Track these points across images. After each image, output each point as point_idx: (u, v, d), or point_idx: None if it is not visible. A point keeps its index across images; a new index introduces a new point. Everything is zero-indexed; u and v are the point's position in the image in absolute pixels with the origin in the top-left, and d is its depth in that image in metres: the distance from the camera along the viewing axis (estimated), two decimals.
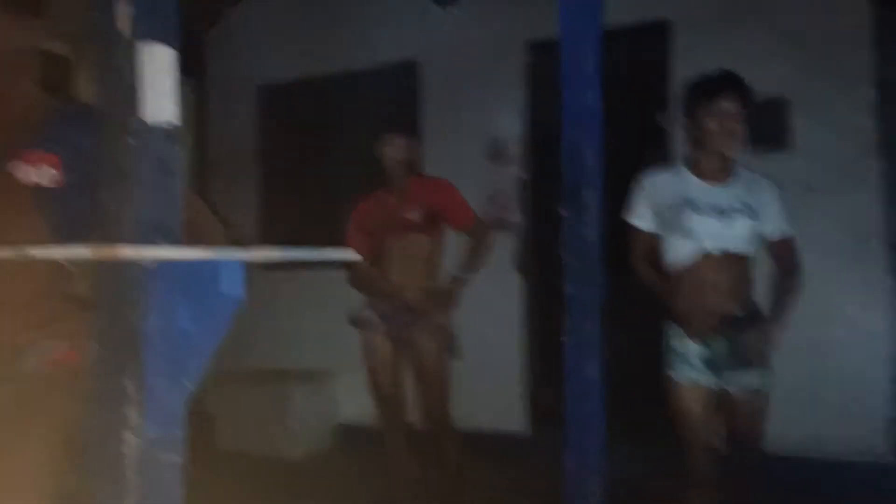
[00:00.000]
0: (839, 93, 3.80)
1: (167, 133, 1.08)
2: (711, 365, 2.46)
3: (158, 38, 1.06)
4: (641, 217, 2.60)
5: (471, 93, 4.60)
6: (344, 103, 5.15)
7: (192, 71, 5.48)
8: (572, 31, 2.43)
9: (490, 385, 4.37)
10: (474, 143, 4.64)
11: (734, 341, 2.40)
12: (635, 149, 4.02)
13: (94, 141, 1.40)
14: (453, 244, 3.36)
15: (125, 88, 1.04)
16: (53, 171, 1.41)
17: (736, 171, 2.52)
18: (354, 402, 4.96)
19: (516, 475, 4.00)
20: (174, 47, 1.06)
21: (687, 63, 4.20)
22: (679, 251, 2.50)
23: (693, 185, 2.50)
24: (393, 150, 3.23)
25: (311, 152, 5.32)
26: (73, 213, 1.38)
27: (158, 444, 1.05)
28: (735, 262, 2.46)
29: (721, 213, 2.45)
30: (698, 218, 2.45)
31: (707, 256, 2.45)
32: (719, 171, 2.50)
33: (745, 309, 2.46)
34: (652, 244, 2.59)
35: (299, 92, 5.29)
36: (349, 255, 1.30)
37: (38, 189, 1.40)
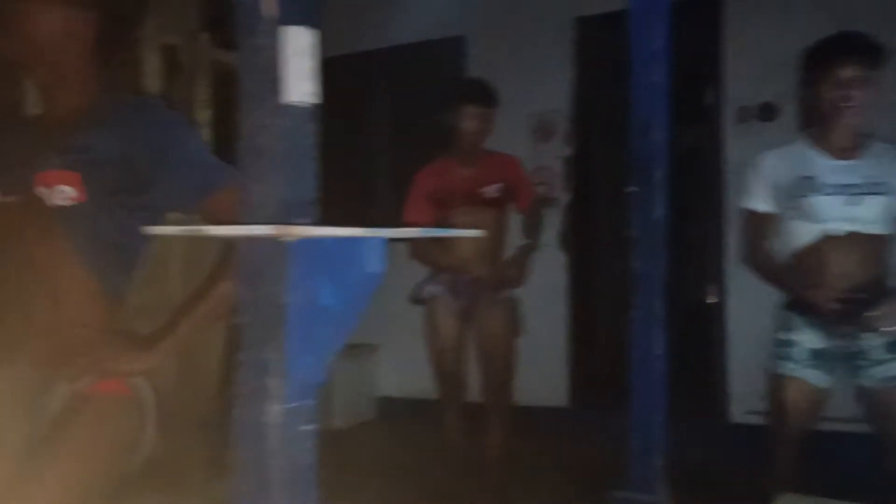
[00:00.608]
0: None
1: (306, 113, 1.11)
2: (828, 359, 2.31)
3: (300, 20, 1.09)
4: (759, 199, 2.44)
5: (517, 68, 4.58)
6: (390, 79, 5.15)
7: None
8: (641, 9, 2.42)
9: (532, 360, 4.41)
10: (520, 118, 4.64)
11: (863, 331, 2.25)
12: (687, 126, 4.01)
13: (152, 133, 1.41)
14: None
15: (268, 69, 1.07)
16: (71, 189, 1.37)
17: (867, 144, 2.33)
18: (395, 375, 5.03)
19: (558, 448, 4.06)
20: (315, 29, 1.09)
21: (736, 39, 4.19)
22: (799, 234, 2.35)
23: (816, 163, 2.33)
24: (472, 120, 3.10)
25: (356, 127, 5.34)
26: (94, 228, 1.39)
27: (296, 413, 1.10)
28: (864, 244, 2.27)
29: (848, 191, 2.27)
30: (821, 198, 2.29)
31: (831, 238, 2.28)
32: (845, 146, 2.32)
33: (875, 293, 2.26)
34: (770, 228, 2.43)
35: (345, 68, 5.30)
36: (476, 233, 1.31)
37: (60, 209, 1.36)
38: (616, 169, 5.00)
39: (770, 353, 2.45)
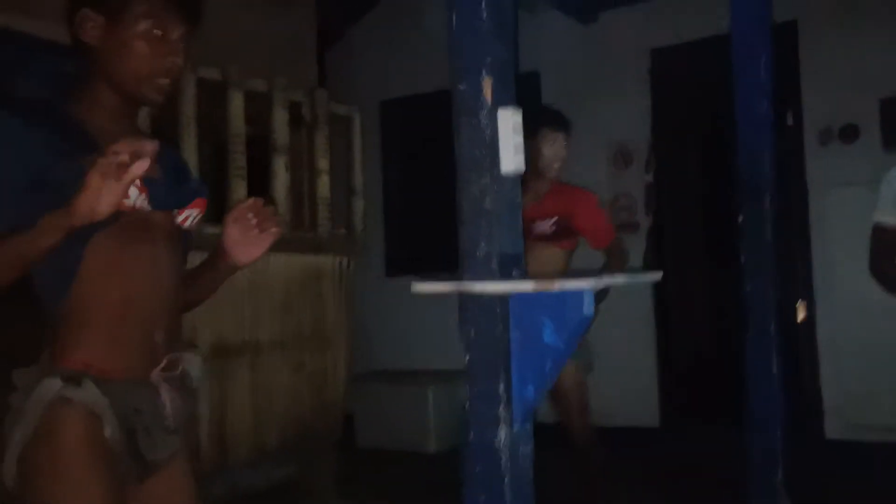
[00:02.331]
0: None
1: (516, 181, 1.30)
2: None
3: (510, 103, 1.29)
4: (888, 213, 2.36)
5: (595, 99, 4.75)
6: None
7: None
8: (744, 44, 2.57)
9: (623, 382, 4.53)
10: (600, 147, 4.80)
11: None
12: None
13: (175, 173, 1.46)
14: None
15: (486, 145, 1.27)
16: (198, 212, 1.43)
17: None
18: None
19: (650, 466, 4.15)
20: (521, 109, 1.29)
21: (814, 61, 4.29)
22: None
23: None
24: (554, 147, 2.96)
25: (433, 164, 5.55)
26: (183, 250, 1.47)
27: (519, 437, 1.28)
28: None
29: None
30: None
31: None
32: None
33: None
34: None
35: (421, 106, 5.53)
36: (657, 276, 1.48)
37: (185, 230, 1.44)
38: (696, 192, 5.13)
39: None
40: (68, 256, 1.24)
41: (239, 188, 2.91)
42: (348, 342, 3.62)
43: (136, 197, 1.26)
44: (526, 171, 3.09)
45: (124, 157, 1.09)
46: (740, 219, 2.50)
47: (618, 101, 4.77)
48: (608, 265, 3.17)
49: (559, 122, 3.05)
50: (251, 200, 1.49)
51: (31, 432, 1.21)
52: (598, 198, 3.21)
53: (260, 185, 3.07)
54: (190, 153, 2.64)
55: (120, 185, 1.09)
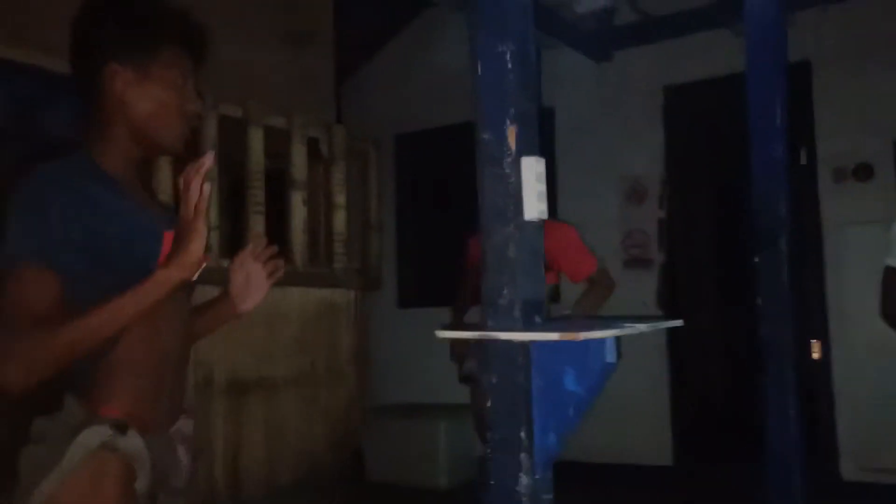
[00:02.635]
0: None
1: (539, 227, 1.31)
2: None
3: (533, 151, 1.30)
4: None
5: (608, 135, 4.79)
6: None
7: None
8: (760, 87, 2.60)
9: (636, 419, 4.50)
10: (612, 182, 4.82)
11: None
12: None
13: None
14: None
15: (510, 193, 1.28)
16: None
17: None
18: None
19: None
20: (544, 159, 1.30)
21: (828, 100, 4.32)
22: None
23: None
24: None
25: (445, 196, 5.59)
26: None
27: (541, 485, 1.28)
28: None
29: None
30: None
31: None
32: None
33: None
34: None
35: (434, 140, 5.58)
36: (678, 322, 1.48)
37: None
38: (709, 229, 5.14)
39: None
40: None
41: (257, 223, 2.94)
42: (361, 377, 3.62)
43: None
44: None
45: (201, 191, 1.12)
46: (756, 260, 2.50)
47: (631, 137, 4.80)
48: (586, 294, 3.09)
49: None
50: (251, 246, 1.51)
51: (66, 478, 1.19)
52: (576, 230, 3.14)
53: (277, 219, 3.10)
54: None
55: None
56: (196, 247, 1.13)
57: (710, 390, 4.89)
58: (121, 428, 1.23)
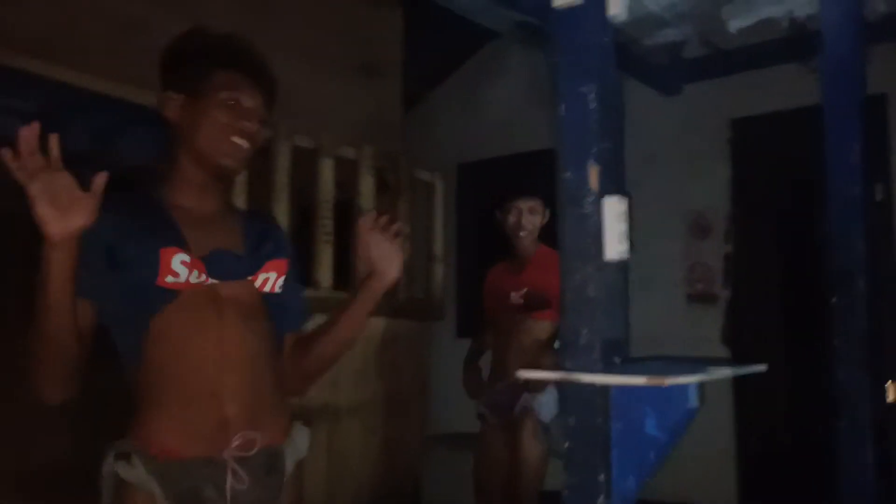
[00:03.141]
0: None
1: (619, 268, 1.30)
2: None
3: (615, 191, 1.30)
4: None
5: (674, 168, 4.73)
6: (541, 179, 5.39)
7: None
8: (837, 124, 2.54)
9: (699, 459, 4.38)
10: (677, 216, 4.76)
11: None
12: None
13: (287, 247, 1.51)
14: None
15: (591, 233, 1.28)
16: (284, 277, 1.47)
17: None
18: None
19: None
20: (627, 198, 1.30)
21: None
22: None
23: None
24: (518, 216, 2.98)
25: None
26: (284, 311, 1.49)
27: None
28: None
29: None
30: None
31: None
32: None
33: None
34: None
35: (495, 169, 5.60)
36: (761, 368, 1.45)
37: (269, 295, 1.45)
38: (777, 265, 5.00)
39: None
40: (132, 336, 1.32)
41: (326, 253, 2.98)
42: (422, 406, 3.62)
43: (186, 274, 1.32)
44: (512, 244, 3.03)
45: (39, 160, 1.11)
46: (832, 301, 2.42)
47: (697, 170, 4.74)
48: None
49: (522, 193, 3.02)
50: (364, 221, 1.53)
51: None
52: None
53: (342, 249, 3.14)
54: (282, 218, 2.72)
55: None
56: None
57: (776, 431, 4.73)
58: (124, 456, 1.29)
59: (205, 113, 1.39)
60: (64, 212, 1.11)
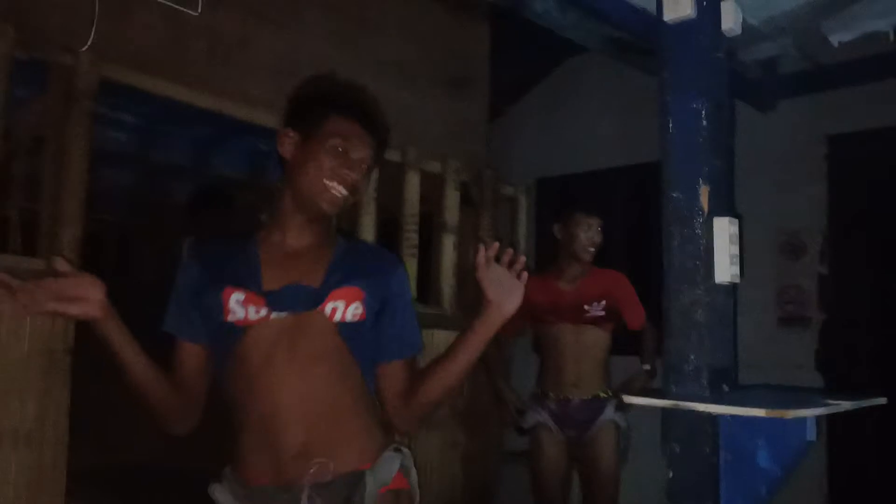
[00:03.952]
0: None
1: (729, 291, 1.25)
2: None
3: (726, 212, 1.25)
4: None
5: (767, 186, 4.57)
6: (617, 196, 5.30)
7: None
8: None
9: (789, 483, 4.20)
10: (769, 236, 4.59)
11: None
12: None
13: (393, 276, 1.51)
14: None
15: (701, 255, 1.23)
16: (360, 306, 1.46)
17: None
18: None
19: None
20: (738, 219, 1.25)
21: None
22: None
23: None
24: (589, 232, 3.07)
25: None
26: (369, 341, 1.48)
27: None
28: None
29: None
30: None
31: None
32: None
33: None
34: None
35: (573, 185, 5.53)
36: (881, 400, 1.38)
37: (345, 325, 1.44)
38: (874, 287, 4.77)
39: None
40: (221, 369, 1.45)
41: (411, 266, 2.99)
42: (498, 422, 3.58)
43: (244, 312, 1.39)
44: (559, 256, 3.15)
45: None
46: None
47: (790, 188, 4.56)
48: (645, 346, 3.21)
49: (593, 208, 3.13)
50: (484, 251, 1.50)
51: None
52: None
53: (425, 261, 3.15)
54: (368, 232, 2.75)
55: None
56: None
57: (868, 457, 4.50)
58: (218, 478, 1.43)
59: (313, 155, 1.44)
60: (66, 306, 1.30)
